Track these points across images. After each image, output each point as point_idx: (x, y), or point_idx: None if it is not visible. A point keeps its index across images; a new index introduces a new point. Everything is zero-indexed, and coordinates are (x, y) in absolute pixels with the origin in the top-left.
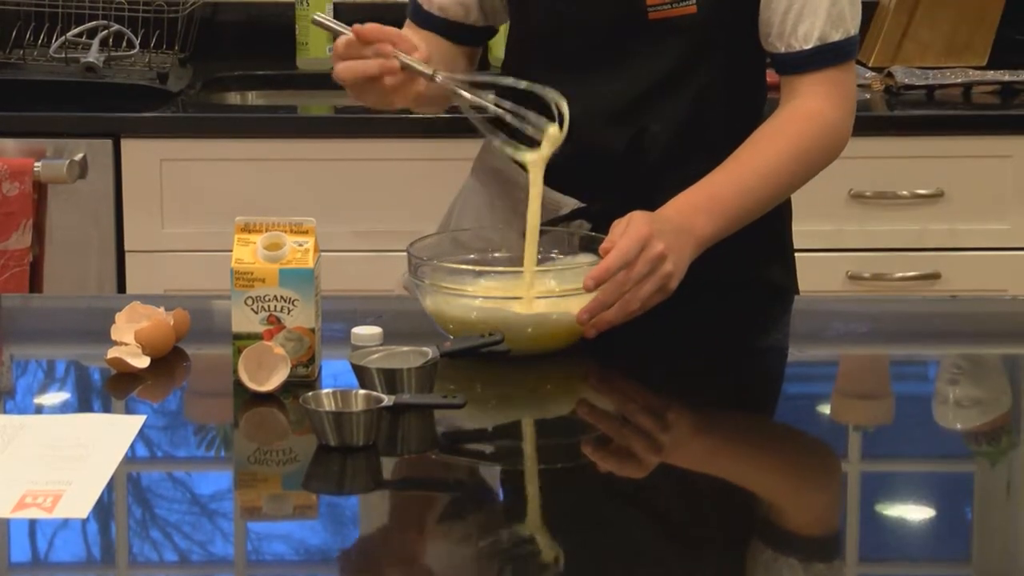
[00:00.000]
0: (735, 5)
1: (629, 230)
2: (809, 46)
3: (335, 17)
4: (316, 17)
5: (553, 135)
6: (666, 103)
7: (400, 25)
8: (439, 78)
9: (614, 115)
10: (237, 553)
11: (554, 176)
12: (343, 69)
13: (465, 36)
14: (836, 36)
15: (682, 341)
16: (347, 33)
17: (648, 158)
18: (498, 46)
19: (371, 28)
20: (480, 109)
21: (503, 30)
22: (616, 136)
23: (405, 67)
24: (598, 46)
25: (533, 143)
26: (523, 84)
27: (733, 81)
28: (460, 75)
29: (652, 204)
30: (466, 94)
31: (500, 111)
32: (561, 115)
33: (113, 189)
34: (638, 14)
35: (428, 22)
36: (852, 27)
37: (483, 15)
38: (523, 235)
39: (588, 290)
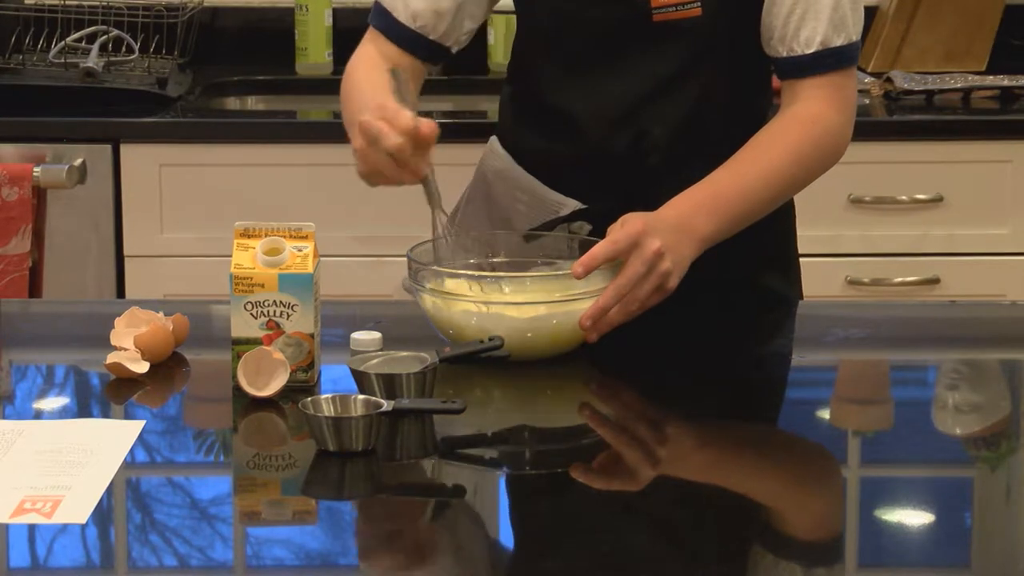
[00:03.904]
0: (739, 8)
1: (623, 227)
2: (811, 50)
3: (334, 19)
4: (395, 71)
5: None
6: (669, 105)
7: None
8: (435, 212)
9: (617, 116)
10: (236, 558)
11: (555, 176)
12: (394, 146)
13: (426, 51)
14: (838, 41)
15: (683, 346)
16: (411, 110)
17: (650, 160)
18: (498, 53)
19: (431, 134)
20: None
21: (500, 39)
22: (618, 137)
23: (424, 182)
24: (602, 47)
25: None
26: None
27: (736, 84)
28: (471, 236)
29: (653, 206)
30: (444, 231)
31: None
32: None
33: (112, 194)
34: (642, 16)
35: (394, 32)
36: (854, 32)
37: (449, 31)
38: (524, 239)
39: (578, 277)
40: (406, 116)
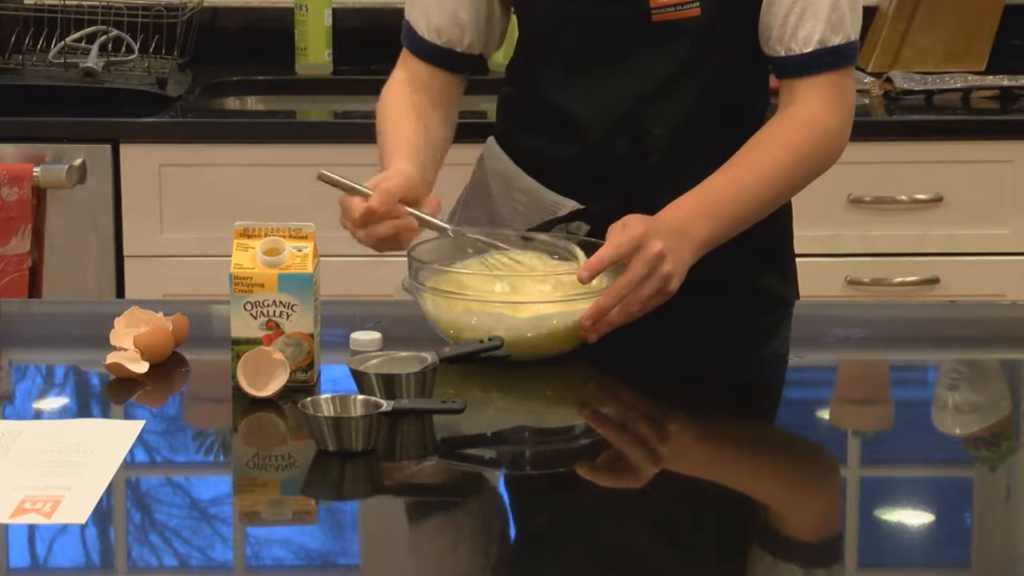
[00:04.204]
0: (738, 8)
1: (626, 229)
2: (809, 50)
3: (334, 19)
4: (322, 174)
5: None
6: (669, 105)
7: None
8: (451, 234)
9: (616, 117)
10: (236, 558)
11: (554, 177)
12: (364, 237)
13: (457, 64)
14: (836, 40)
15: (682, 347)
16: (361, 191)
17: (649, 160)
18: (498, 53)
19: (382, 201)
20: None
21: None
22: (618, 138)
23: (422, 223)
24: (601, 47)
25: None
26: (517, 252)
27: (735, 85)
28: (474, 230)
29: (652, 206)
30: (479, 240)
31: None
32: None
33: (112, 194)
34: (642, 16)
35: (422, 50)
36: (852, 32)
37: (476, 39)
38: (523, 238)
39: (583, 281)
40: (354, 206)
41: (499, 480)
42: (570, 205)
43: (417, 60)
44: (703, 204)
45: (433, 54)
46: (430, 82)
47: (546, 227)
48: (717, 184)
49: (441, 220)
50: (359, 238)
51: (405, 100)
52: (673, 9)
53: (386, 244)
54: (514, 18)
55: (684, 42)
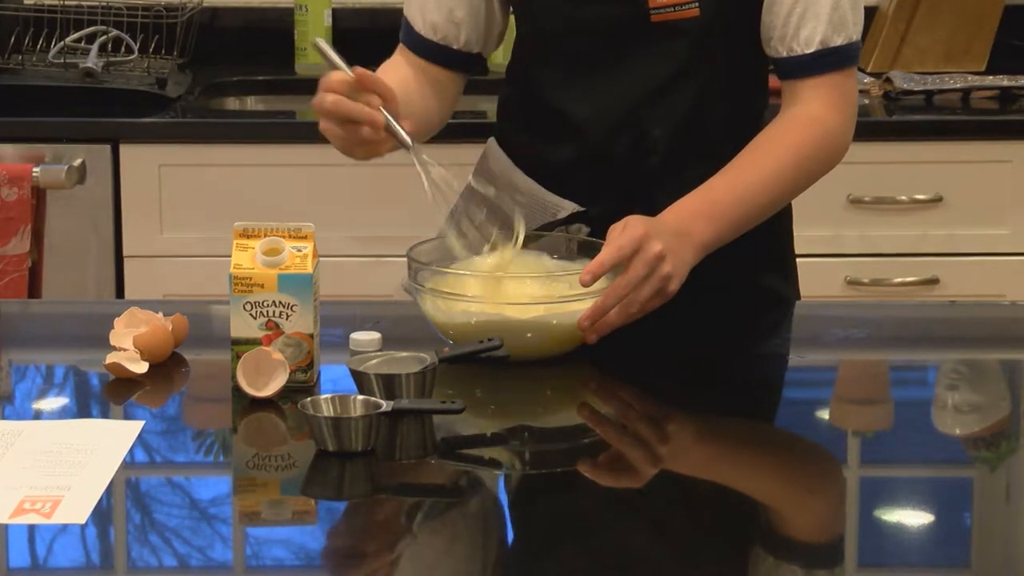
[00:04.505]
0: (737, 8)
1: (626, 230)
2: (811, 50)
3: (334, 19)
4: (317, 42)
5: (503, 256)
6: (669, 106)
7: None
8: (412, 152)
9: (616, 117)
10: (236, 558)
11: (554, 178)
12: (331, 102)
13: (453, 61)
14: (838, 41)
15: (682, 347)
16: (344, 68)
17: (650, 161)
18: (498, 54)
19: (370, 75)
20: (438, 187)
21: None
22: (618, 138)
23: (387, 127)
24: (600, 47)
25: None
26: (484, 209)
27: (734, 85)
28: (430, 160)
29: (652, 208)
30: (430, 173)
31: (456, 209)
32: (516, 235)
33: (112, 194)
34: (641, 16)
35: (418, 45)
36: (854, 32)
37: (474, 38)
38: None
39: (585, 285)
40: (336, 73)
41: (498, 480)
42: (570, 207)
43: (413, 55)
44: (705, 205)
45: (429, 50)
46: (424, 74)
47: (546, 229)
48: (719, 185)
49: (404, 135)
50: (325, 104)
51: (397, 68)
52: (672, 9)
53: (346, 131)
54: (512, 18)
55: (683, 42)
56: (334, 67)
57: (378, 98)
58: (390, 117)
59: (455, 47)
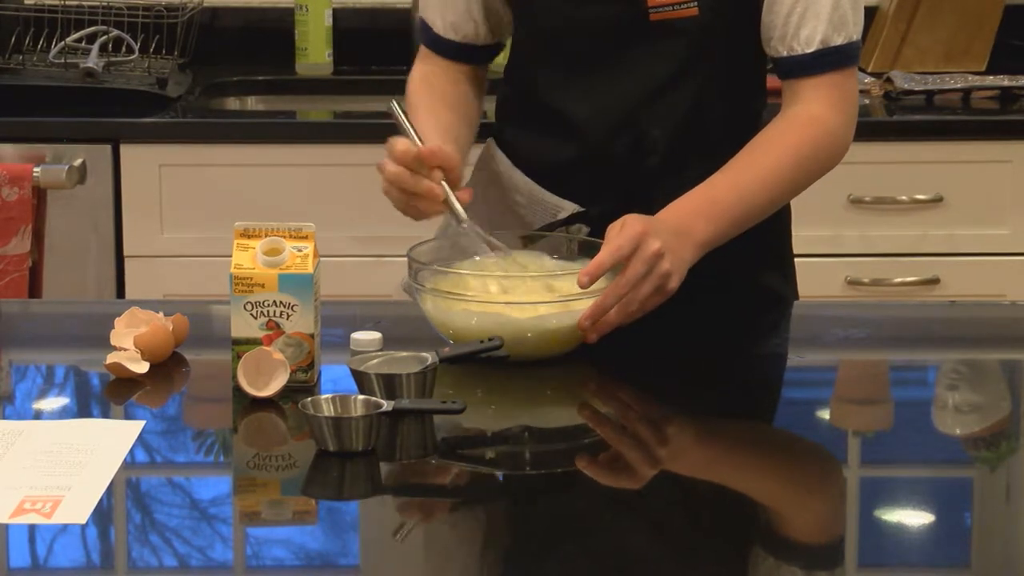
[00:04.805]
0: (737, 7)
1: (624, 230)
2: (811, 49)
3: (334, 19)
4: (392, 105)
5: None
6: (668, 105)
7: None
8: (465, 226)
9: (616, 117)
10: (236, 558)
11: (553, 178)
12: (392, 174)
13: (476, 56)
14: (838, 40)
15: (681, 347)
16: (414, 137)
17: (650, 160)
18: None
19: (436, 152)
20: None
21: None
22: (618, 138)
23: (446, 200)
24: (600, 47)
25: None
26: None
27: (733, 85)
28: (483, 231)
29: (651, 208)
30: (484, 243)
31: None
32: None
33: (112, 194)
34: (640, 15)
35: (440, 47)
36: (854, 32)
37: (490, 30)
38: (521, 240)
39: (583, 287)
40: (400, 143)
41: (499, 480)
42: (570, 207)
43: (437, 56)
44: (705, 203)
45: (451, 50)
46: (454, 75)
47: (546, 229)
48: (719, 184)
49: (462, 211)
50: (388, 174)
51: (434, 89)
52: (671, 8)
53: (406, 198)
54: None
55: (682, 42)
56: (403, 133)
57: (440, 173)
58: (450, 192)
59: (477, 43)
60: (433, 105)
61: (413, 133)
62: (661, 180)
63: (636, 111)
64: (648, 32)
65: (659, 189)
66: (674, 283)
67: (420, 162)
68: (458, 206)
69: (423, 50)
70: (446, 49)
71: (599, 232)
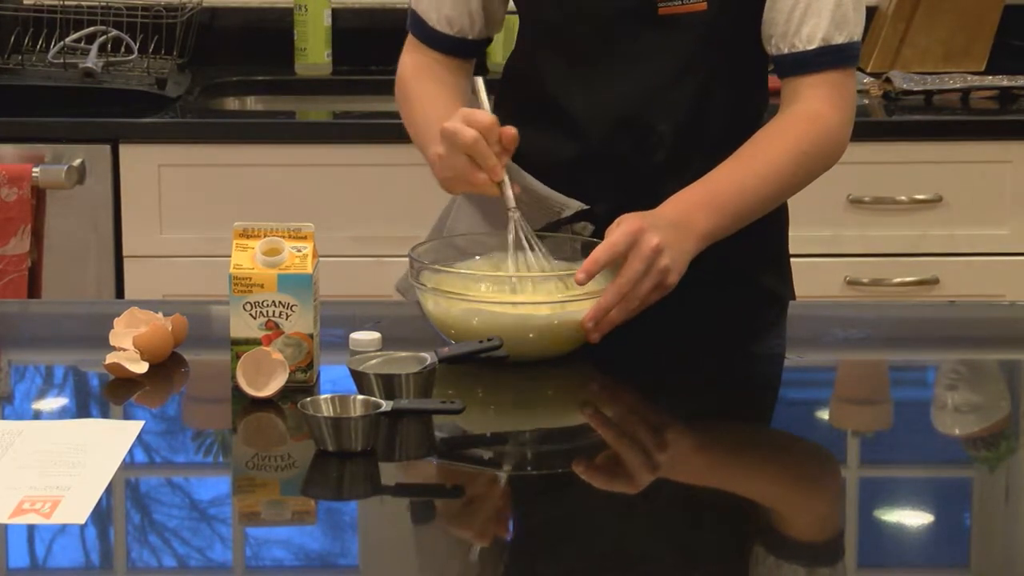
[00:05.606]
0: (744, 3)
1: (620, 226)
2: (812, 47)
3: (334, 19)
4: (475, 81)
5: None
6: (673, 101)
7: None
8: (511, 213)
9: (620, 113)
10: (235, 559)
11: (557, 176)
12: (472, 138)
13: (466, 50)
14: (839, 39)
15: (680, 347)
16: (487, 109)
17: (655, 157)
18: (496, 53)
19: (513, 136)
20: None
21: (499, 39)
22: (622, 134)
23: (500, 183)
24: (607, 40)
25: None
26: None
27: (737, 81)
28: (527, 226)
29: (657, 204)
30: (527, 236)
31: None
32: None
33: (112, 194)
34: (648, 8)
35: (432, 40)
36: (856, 32)
37: (484, 25)
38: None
39: (579, 283)
40: (485, 115)
41: (499, 480)
42: (575, 206)
43: (427, 48)
44: (706, 196)
45: (444, 43)
46: (443, 68)
47: (551, 228)
48: (720, 177)
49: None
50: (467, 137)
51: (438, 78)
52: (680, 2)
53: (468, 169)
54: (511, 18)
55: (689, 36)
56: (480, 108)
57: (507, 156)
58: (506, 177)
59: (470, 38)
60: (441, 92)
61: (490, 111)
62: (667, 177)
63: (642, 106)
64: (655, 26)
65: (665, 186)
66: (674, 277)
67: (496, 138)
68: (510, 192)
69: (412, 40)
70: (438, 42)
71: (604, 230)
